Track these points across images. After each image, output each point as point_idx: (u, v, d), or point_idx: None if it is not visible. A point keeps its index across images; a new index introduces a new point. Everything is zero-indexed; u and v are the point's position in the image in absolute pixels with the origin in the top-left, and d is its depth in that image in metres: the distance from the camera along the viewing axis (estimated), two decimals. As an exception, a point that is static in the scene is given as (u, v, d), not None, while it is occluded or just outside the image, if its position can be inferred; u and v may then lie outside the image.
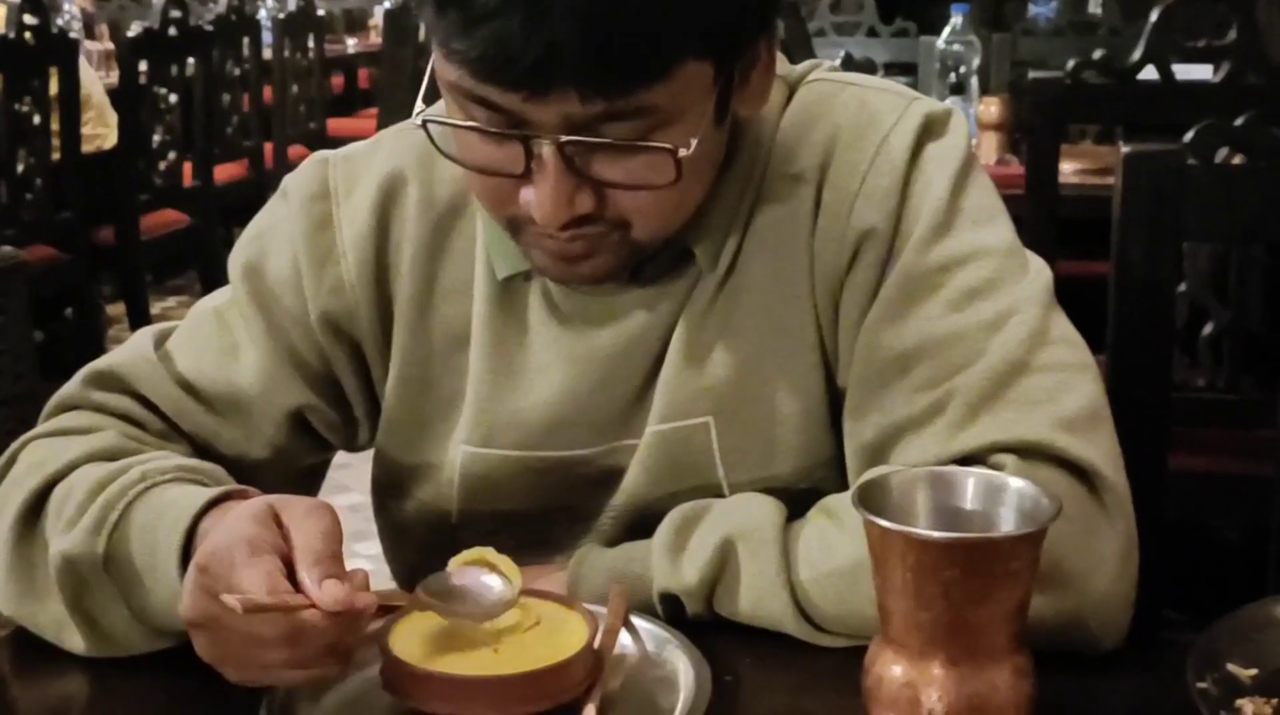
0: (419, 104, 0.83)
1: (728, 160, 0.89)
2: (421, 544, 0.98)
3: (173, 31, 3.71)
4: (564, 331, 0.92)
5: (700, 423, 0.90)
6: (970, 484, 0.71)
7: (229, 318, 0.95)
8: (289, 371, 0.94)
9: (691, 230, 0.88)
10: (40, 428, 0.94)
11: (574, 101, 0.74)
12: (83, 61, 3.81)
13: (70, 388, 0.95)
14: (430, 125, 0.82)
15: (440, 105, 0.84)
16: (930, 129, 0.89)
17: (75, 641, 0.84)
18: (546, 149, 0.77)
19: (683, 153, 0.77)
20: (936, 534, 0.66)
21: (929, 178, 0.87)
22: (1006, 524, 0.69)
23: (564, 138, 0.76)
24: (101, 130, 3.72)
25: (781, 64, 0.93)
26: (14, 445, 0.92)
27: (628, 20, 0.73)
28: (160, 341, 0.96)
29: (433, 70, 0.80)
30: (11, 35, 3.14)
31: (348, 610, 0.72)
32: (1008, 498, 0.70)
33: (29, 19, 3.16)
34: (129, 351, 0.96)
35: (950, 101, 2.78)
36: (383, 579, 1.13)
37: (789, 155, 0.89)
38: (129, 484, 0.83)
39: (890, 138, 0.88)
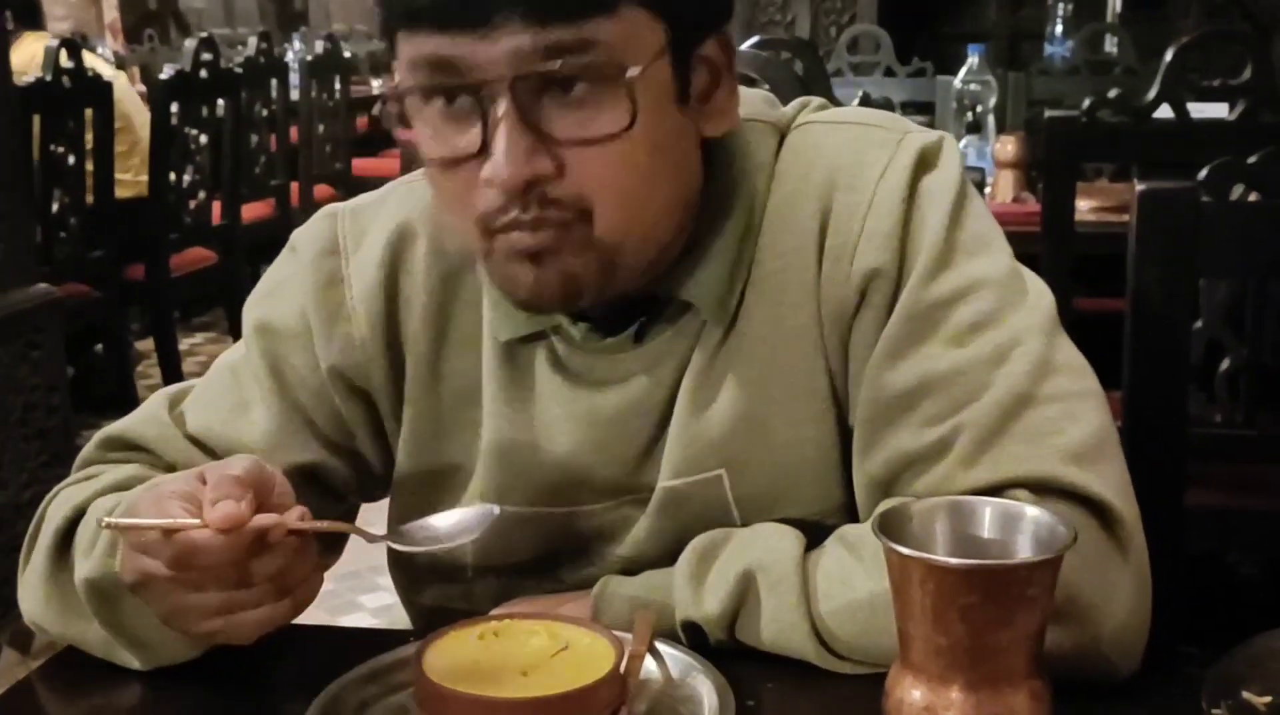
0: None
1: (722, 210, 0.89)
2: (437, 593, 1.00)
3: (204, 74, 3.76)
4: (571, 390, 0.92)
5: (713, 476, 0.90)
6: (987, 513, 0.73)
7: (241, 374, 0.96)
8: (298, 429, 0.95)
9: (692, 282, 0.88)
10: (68, 480, 0.97)
11: (520, 34, 0.75)
12: (137, 100, 3.87)
13: (88, 450, 0.98)
14: (398, 123, 0.83)
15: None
16: (924, 162, 0.89)
17: (125, 657, 0.87)
18: (502, 101, 0.77)
19: (631, 72, 0.77)
20: (955, 560, 0.67)
21: (926, 213, 0.87)
22: (1023, 551, 0.71)
23: (515, 73, 0.76)
24: (145, 178, 3.77)
25: (771, 106, 0.94)
26: (46, 498, 0.95)
27: None
28: (174, 402, 0.98)
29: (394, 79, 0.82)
30: (48, 78, 3.19)
31: (234, 525, 0.74)
32: (1024, 526, 0.71)
33: (65, 62, 3.21)
34: (142, 414, 0.98)
35: (967, 140, 2.81)
36: (401, 619, 1.15)
37: (786, 202, 0.89)
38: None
39: (886, 176, 0.87)
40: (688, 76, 0.83)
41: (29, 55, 3.89)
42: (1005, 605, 0.66)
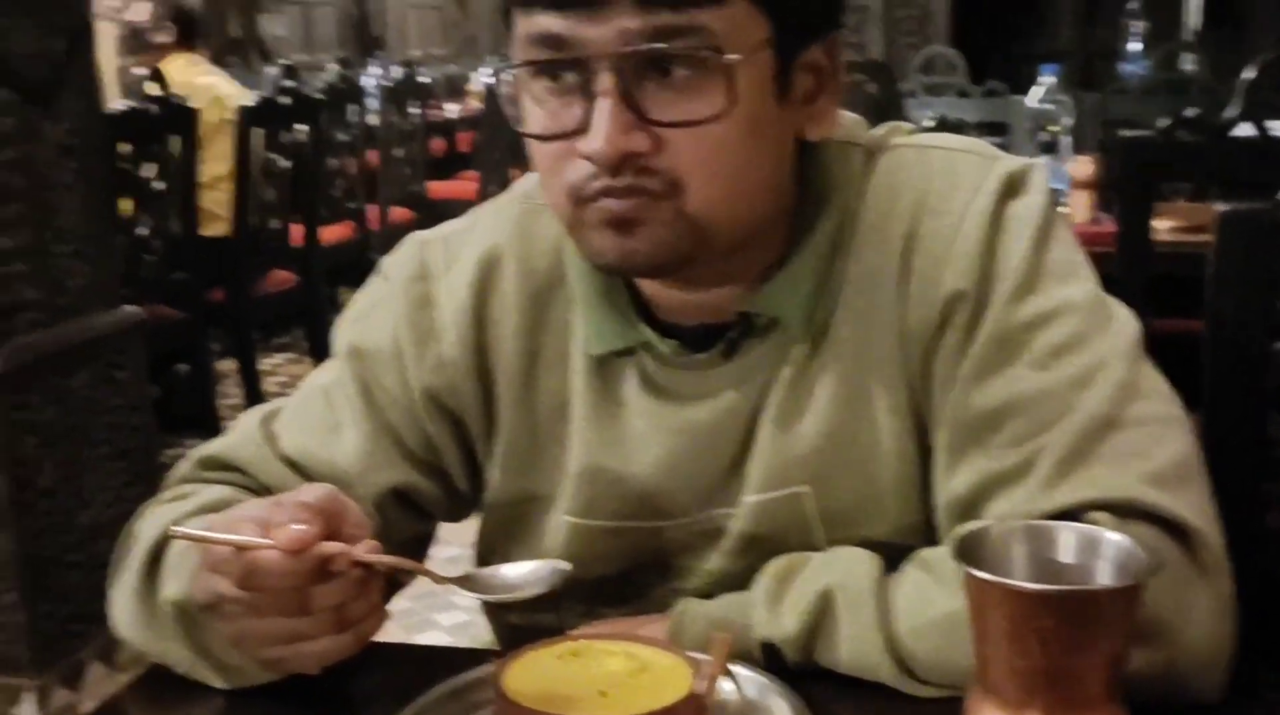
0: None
1: (811, 227, 0.90)
2: (524, 607, 0.99)
3: (285, 100, 3.85)
4: (660, 405, 0.93)
5: (797, 492, 0.91)
6: (1067, 537, 0.72)
7: (334, 396, 0.98)
8: (388, 450, 0.97)
9: (780, 298, 0.90)
10: (159, 497, 0.99)
11: (629, 12, 0.78)
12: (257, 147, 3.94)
13: (183, 468, 1.00)
14: (506, 95, 0.86)
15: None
16: (1012, 188, 0.90)
17: (209, 677, 0.89)
18: (605, 76, 0.80)
19: (731, 57, 0.80)
20: (1032, 585, 0.67)
21: (1012, 237, 0.88)
22: (1103, 577, 0.70)
23: (618, 50, 0.79)
24: (224, 213, 3.82)
25: (861, 128, 0.96)
26: (136, 514, 0.97)
27: None
28: (267, 422, 0.99)
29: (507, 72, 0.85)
30: (136, 105, 3.28)
31: (298, 546, 0.75)
32: (1104, 551, 0.71)
33: (153, 90, 3.30)
34: (237, 434, 1.00)
35: (1042, 161, 2.79)
36: (479, 635, 1.16)
37: (875, 222, 0.91)
38: None
39: (973, 201, 0.89)
40: (790, 76, 0.85)
41: (174, 75, 4.00)
42: (1084, 630, 0.66)
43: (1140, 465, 0.83)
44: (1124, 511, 0.81)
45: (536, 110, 0.84)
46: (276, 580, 0.77)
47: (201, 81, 4.12)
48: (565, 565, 0.82)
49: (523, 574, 0.83)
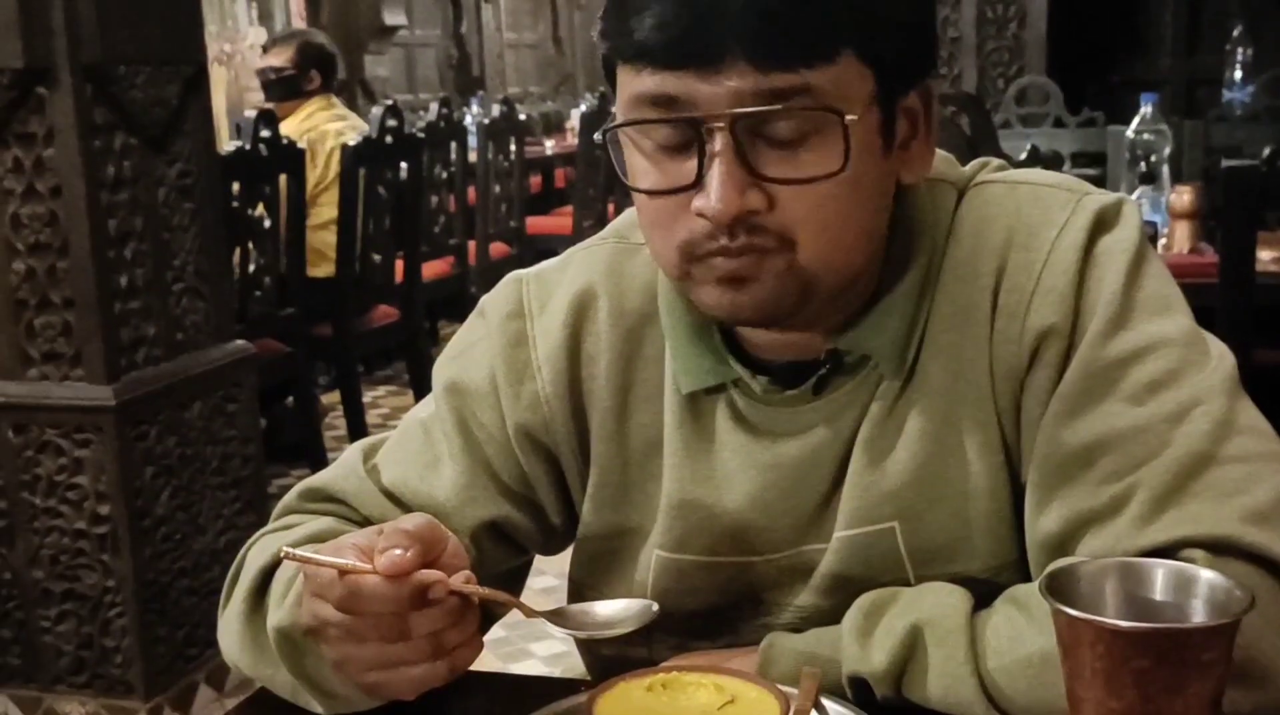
0: (597, 137, 0.87)
1: (903, 266, 0.91)
2: (616, 640, 1.00)
3: (388, 139, 3.94)
4: (751, 441, 0.94)
5: (887, 528, 0.91)
6: (1160, 575, 0.71)
7: (432, 431, 1.00)
8: (485, 485, 0.98)
9: (871, 336, 0.90)
10: (267, 527, 1.02)
11: (743, 73, 0.78)
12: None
13: (289, 500, 1.03)
14: (613, 153, 0.86)
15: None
16: (1102, 223, 0.89)
17: (310, 703, 0.91)
18: (719, 137, 0.80)
19: (850, 118, 0.80)
20: (1125, 623, 0.66)
21: (1103, 272, 0.87)
22: (1197, 615, 0.69)
23: (734, 110, 0.79)
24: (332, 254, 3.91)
25: (951, 166, 0.95)
26: (247, 544, 1.01)
27: None
28: (368, 455, 1.02)
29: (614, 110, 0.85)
30: (247, 146, 3.39)
31: (398, 571, 0.78)
32: (1198, 589, 0.70)
33: (262, 131, 3.41)
34: (340, 467, 1.02)
35: (1140, 191, 2.75)
36: (574, 665, 1.18)
37: (964, 259, 0.90)
38: None
39: (1063, 235, 0.88)
40: (893, 125, 0.85)
41: (306, 117, 4.13)
42: (1179, 670, 0.65)
43: (1238, 502, 0.81)
44: (1220, 549, 0.80)
45: (644, 164, 0.85)
46: (376, 604, 0.79)
47: (331, 127, 4.21)
48: (655, 605, 0.84)
49: (614, 611, 0.85)
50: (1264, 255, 2.24)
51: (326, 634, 0.83)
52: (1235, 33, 5.28)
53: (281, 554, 0.83)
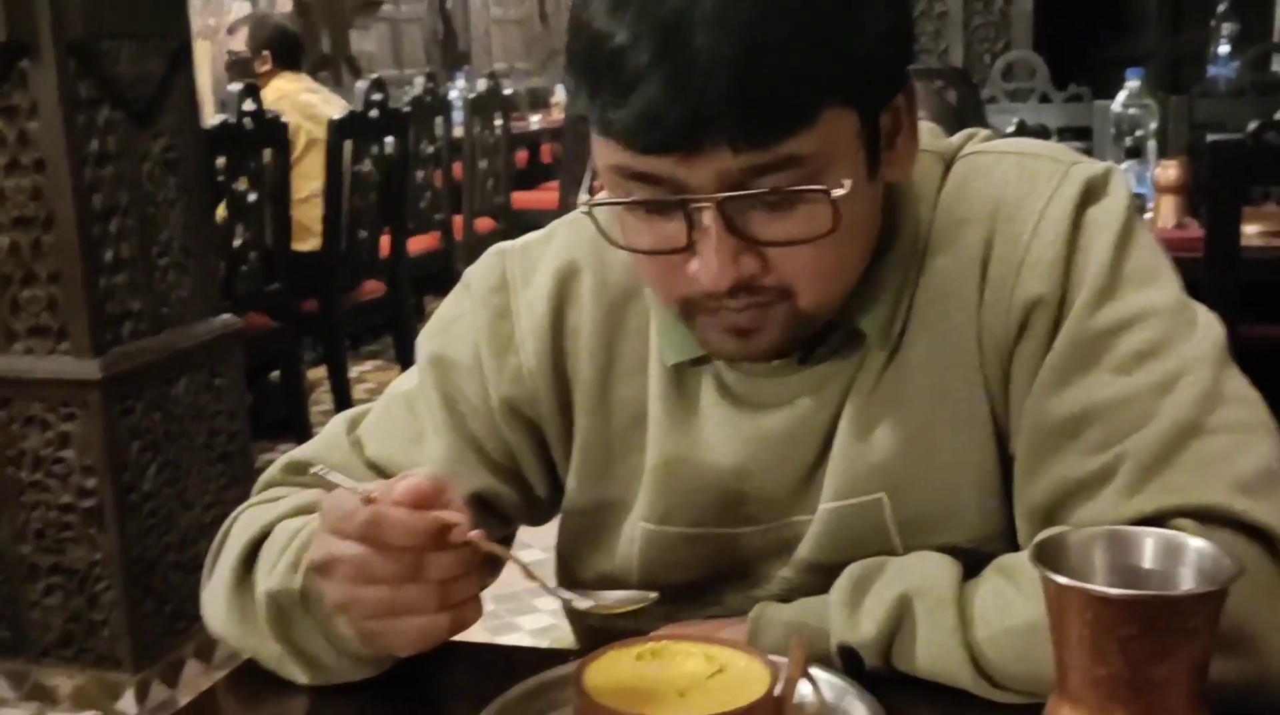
0: (583, 194, 0.84)
1: (889, 238, 0.90)
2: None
3: (373, 114, 3.91)
4: (736, 413, 0.94)
5: (873, 499, 0.91)
6: (1148, 543, 0.71)
7: (417, 404, 0.99)
8: (470, 458, 0.98)
9: (858, 309, 0.89)
10: (251, 500, 1.02)
11: (726, 156, 0.77)
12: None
13: (272, 473, 1.02)
14: (597, 212, 0.85)
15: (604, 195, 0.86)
16: (1091, 193, 0.88)
17: (295, 673, 0.91)
18: (707, 213, 0.79)
19: (837, 193, 0.78)
20: (1114, 590, 0.65)
21: (1090, 243, 0.87)
22: (1186, 583, 0.68)
23: (721, 195, 0.78)
24: (317, 227, 3.90)
25: (936, 137, 0.94)
26: (231, 517, 1.00)
27: (772, 70, 0.75)
28: (353, 427, 1.01)
29: (594, 164, 0.83)
30: (231, 120, 3.37)
31: (419, 498, 0.78)
32: (1187, 557, 0.69)
33: (247, 105, 3.38)
34: (324, 441, 1.01)
35: (1126, 165, 2.76)
36: (561, 639, 1.18)
37: (950, 230, 0.90)
38: None
39: (1051, 205, 0.87)
40: (877, 146, 0.84)
41: (276, 94, 4.13)
42: (1166, 638, 0.64)
43: (1225, 472, 0.81)
44: (1208, 518, 0.80)
45: (632, 222, 0.84)
46: (397, 535, 0.78)
47: (300, 99, 4.22)
48: (653, 595, 0.83)
49: (615, 599, 0.84)
50: (1249, 229, 2.24)
51: (336, 571, 0.81)
52: (1220, 8, 5.28)
53: (315, 470, 0.83)
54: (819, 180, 0.79)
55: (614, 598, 0.84)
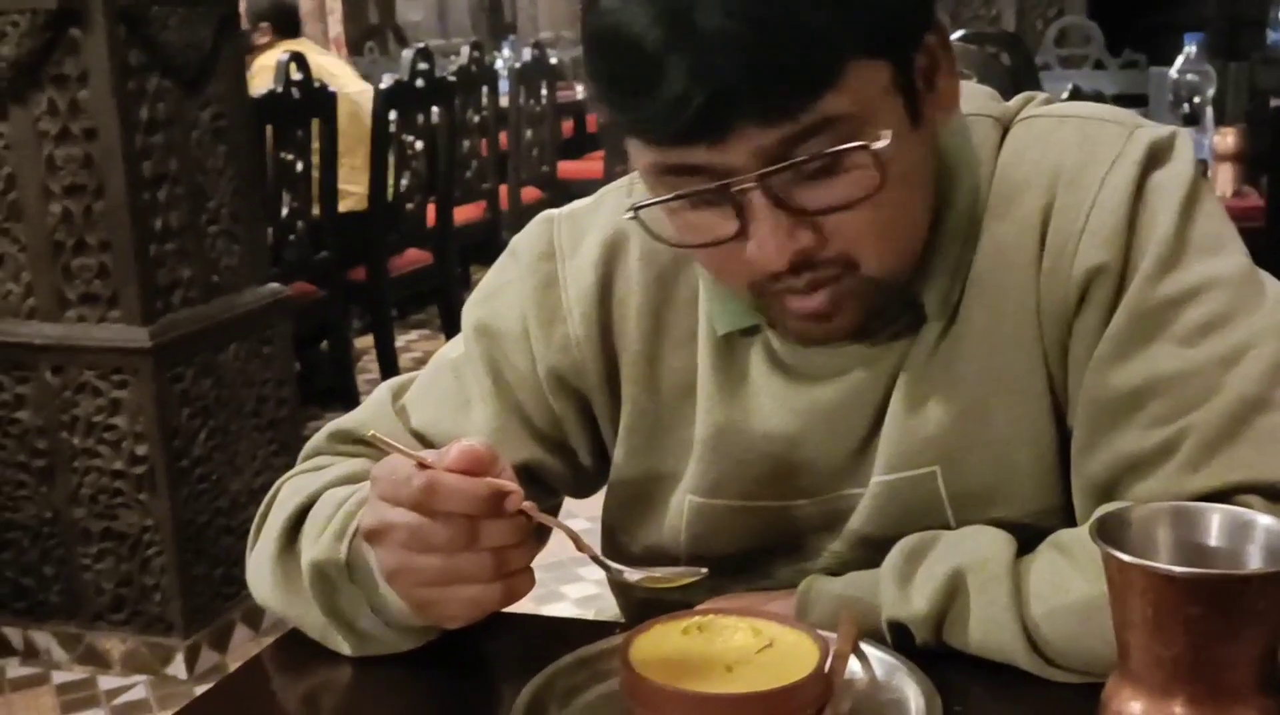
0: (627, 198, 0.84)
1: (946, 206, 0.87)
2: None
3: (420, 83, 3.92)
4: (787, 384, 0.92)
5: (927, 472, 0.89)
6: (1214, 520, 0.68)
7: (463, 373, 0.98)
8: (516, 428, 0.97)
9: (917, 280, 0.87)
10: (296, 468, 1.01)
11: (757, 133, 0.75)
12: (359, 114, 4.05)
13: (317, 441, 1.01)
14: (644, 214, 0.82)
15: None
16: (1155, 158, 0.86)
17: (339, 643, 0.90)
18: (752, 194, 0.77)
19: (877, 145, 0.76)
20: (1179, 569, 0.63)
21: (1154, 210, 0.84)
22: (1254, 561, 0.66)
23: (761, 172, 0.76)
24: (356, 190, 3.93)
25: (993, 100, 0.92)
26: (276, 485, 1.00)
27: (786, 38, 0.73)
28: (398, 395, 1.00)
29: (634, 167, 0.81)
30: (279, 89, 3.38)
31: (475, 463, 0.76)
32: (1255, 535, 0.67)
33: (295, 74, 3.40)
34: (369, 408, 1.00)
35: (1184, 133, 2.71)
36: (606, 609, 1.18)
37: (1008, 197, 0.87)
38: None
39: (1113, 172, 0.85)
40: (915, 92, 0.81)
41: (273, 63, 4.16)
42: (1233, 618, 0.62)
43: None
44: (1274, 495, 0.78)
45: (682, 218, 0.82)
46: (453, 501, 0.76)
47: (315, 60, 4.22)
48: (703, 571, 0.81)
49: (664, 574, 0.83)
50: (1309, 199, 2.20)
51: (388, 538, 0.80)
52: (1282, -27, 5.16)
53: (370, 436, 0.82)
54: (859, 138, 0.76)
55: (663, 572, 0.83)
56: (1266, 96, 2.80)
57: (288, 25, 4.47)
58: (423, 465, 0.78)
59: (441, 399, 0.99)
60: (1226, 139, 2.49)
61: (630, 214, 0.83)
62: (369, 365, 4.35)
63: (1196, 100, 2.80)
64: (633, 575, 0.83)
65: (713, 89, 0.74)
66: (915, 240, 0.86)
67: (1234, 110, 3.23)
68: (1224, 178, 2.49)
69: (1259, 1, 5.53)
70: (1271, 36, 4.84)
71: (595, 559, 0.84)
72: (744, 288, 0.84)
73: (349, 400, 3.72)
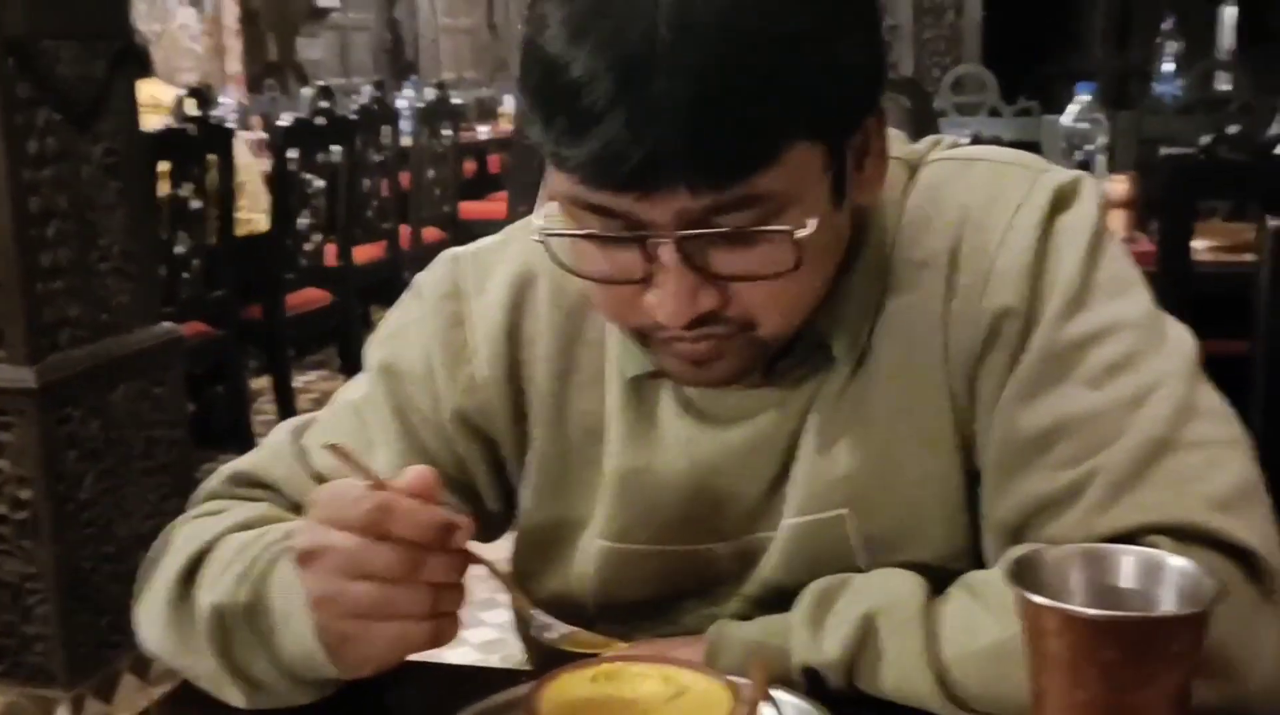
0: (536, 219, 0.82)
1: (856, 249, 0.88)
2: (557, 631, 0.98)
3: (320, 121, 3.89)
4: (696, 427, 0.91)
5: (836, 515, 0.89)
6: (1127, 561, 0.68)
7: (365, 414, 0.96)
8: None
9: (827, 323, 0.87)
10: (191, 512, 0.97)
11: (685, 197, 0.74)
12: (244, 148, 4.01)
13: (213, 483, 0.99)
14: (550, 239, 0.82)
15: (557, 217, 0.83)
16: (1060, 201, 0.86)
17: (231, 694, 0.87)
18: (664, 249, 0.76)
19: (800, 234, 0.76)
20: (1095, 611, 0.63)
21: (1060, 252, 0.85)
22: (1166, 604, 0.66)
23: (680, 233, 0.75)
24: (255, 215, 3.89)
25: (902, 143, 0.92)
26: (168, 528, 0.96)
27: (732, 112, 0.72)
28: (297, 436, 0.98)
29: (547, 187, 0.80)
30: (176, 125, 3.32)
31: (426, 489, 0.74)
32: (1167, 577, 0.67)
33: (192, 110, 3.34)
34: (268, 450, 0.98)
35: (1089, 178, 2.78)
36: (510, 655, 1.15)
37: (917, 239, 0.88)
38: (274, 540, 0.86)
39: (1019, 215, 0.86)
40: (844, 177, 0.81)
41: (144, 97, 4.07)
42: (1148, 661, 0.62)
43: (1200, 488, 0.79)
44: (1183, 536, 0.78)
45: (589, 251, 0.81)
46: (406, 527, 0.74)
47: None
48: (627, 645, 0.81)
49: (588, 640, 0.82)
50: (1197, 244, 2.26)
51: (323, 562, 0.76)
52: (1165, 26, 5.36)
53: (326, 445, 0.78)
54: (783, 214, 0.76)
55: (589, 637, 0.81)
56: (1155, 145, 2.89)
57: (137, 66, 4.38)
58: (378, 485, 0.75)
59: (344, 440, 0.96)
60: (1118, 186, 2.56)
61: (538, 237, 0.82)
62: (265, 406, 4.26)
63: (1089, 148, 2.88)
64: (554, 633, 0.81)
65: (650, 150, 0.72)
66: (812, 306, 0.86)
67: (1123, 158, 3.32)
68: (1116, 224, 2.55)
69: (1143, 56, 5.74)
70: (1156, 89, 5.02)
71: (522, 611, 0.82)
72: (628, 327, 0.84)
73: (244, 442, 3.63)
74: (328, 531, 0.76)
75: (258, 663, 0.85)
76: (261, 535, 0.88)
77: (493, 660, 1.26)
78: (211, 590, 0.86)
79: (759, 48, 0.73)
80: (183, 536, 0.93)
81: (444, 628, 0.77)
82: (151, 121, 3.62)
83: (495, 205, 5.73)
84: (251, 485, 0.97)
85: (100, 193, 2.50)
